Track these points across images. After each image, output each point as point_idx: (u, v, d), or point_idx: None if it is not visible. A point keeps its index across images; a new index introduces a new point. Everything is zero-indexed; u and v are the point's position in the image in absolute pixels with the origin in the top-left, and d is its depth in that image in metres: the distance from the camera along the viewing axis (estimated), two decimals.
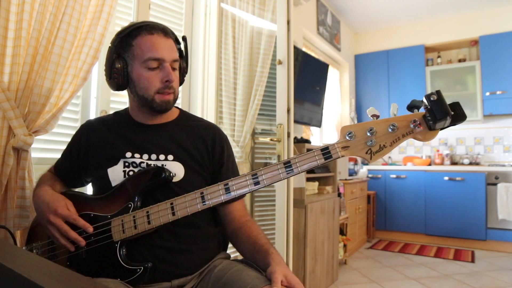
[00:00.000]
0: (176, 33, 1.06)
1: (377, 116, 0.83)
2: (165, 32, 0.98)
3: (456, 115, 0.76)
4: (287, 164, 0.84)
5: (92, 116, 1.62)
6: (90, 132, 1.07)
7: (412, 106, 0.80)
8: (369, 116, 0.83)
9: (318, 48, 4.07)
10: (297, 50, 2.88)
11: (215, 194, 0.87)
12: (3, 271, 0.45)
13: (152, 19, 1.87)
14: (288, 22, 1.91)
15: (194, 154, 1.03)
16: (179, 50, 1.06)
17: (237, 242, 1.02)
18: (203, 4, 2.20)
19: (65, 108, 1.27)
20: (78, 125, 1.55)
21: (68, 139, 1.11)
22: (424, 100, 0.77)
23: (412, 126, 0.80)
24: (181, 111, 1.14)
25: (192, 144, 1.04)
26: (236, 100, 2.25)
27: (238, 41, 2.26)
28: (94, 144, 1.04)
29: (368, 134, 0.82)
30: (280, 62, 1.91)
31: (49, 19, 1.16)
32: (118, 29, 1.75)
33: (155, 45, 0.95)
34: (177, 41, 1.05)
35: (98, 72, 1.67)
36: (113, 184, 0.98)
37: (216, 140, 1.07)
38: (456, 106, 0.76)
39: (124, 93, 1.80)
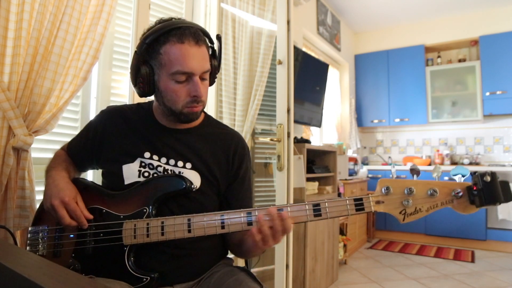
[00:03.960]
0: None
1: (418, 173, 0.80)
2: (197, 39, 0.90)
3: (506, 198, 0.73)
4: (316, 207, 0.82)
5: (93, 116, 1.61)
6: (110, 120, 1.03)
7: (457, 173, 0.77)
8: (409, 171, 0.81)
9: (318, 48, 4.07)
10: (297, 50, 2.88)
11: (235, 221, 0.84)
12: (3, 271, 0.45)
13: (152, 19, 1.86)
14: (288, 22, 1.91)
15: (212, 166, 1.00)
16: (212, 49, 1.00)
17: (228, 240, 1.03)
18: (203, 4, 2.20)
19: (65, 108, 1.27)
20: (78, 125, 1.55)
21: (69, 139, 1.11)
22: (476, 177, 0.74)
23: (453, 195, 0.76)
24: (206, 116, 1.09)
25: (212, 155, 1.01)
26: (236, 100, 2.25)
27: (238, 41, 2.26)
28: (111, 134, 1.00)
29: (406, 193, 0.78)
30: (280, 62, 1.91)
31: (49, 19, 1.16)
32: (118, 29, 1.76)
33: (185, 57, 0.88)
34: (211, 41, 0.99)
35: (98, 72, 1.67)
36: (126, 182, 0.95)
37: (237, 151, 1.04)
38: (505, 186, 0.73)
39: (125, 93, 1.81)
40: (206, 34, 0.95)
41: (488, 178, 0.72)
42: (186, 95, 0.91)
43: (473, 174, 0.76)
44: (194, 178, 0.97)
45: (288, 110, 1.90)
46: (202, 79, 0.93)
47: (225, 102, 2.20)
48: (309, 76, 3.15)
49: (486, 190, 0.72)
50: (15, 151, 1.13)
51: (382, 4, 4.13)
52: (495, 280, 2.84)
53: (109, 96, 1.69)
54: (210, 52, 0.99)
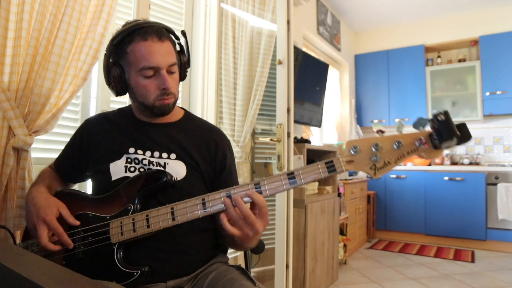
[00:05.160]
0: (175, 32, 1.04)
1: (382, 132, 0.83)
2: (160, 35, 0.95)
3: (462, 136, 0.76)
4: (291, 175, 0.84)
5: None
6: (93, 127, 1.07)
7: (418, 124, 0.80)
8: (375, 131, 0.84)
9: (318, 48, 4.07)
10: (297, 50, 2.88)
11: (216, 202, 0.85)
12: (3, 271, 0.45)
13: (152, 19, 1.86)
14: (288, 22, 1.91)
15: (195, 156, 1.02)
16: (179, 45, 1.05)
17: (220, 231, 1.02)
18: (203, 4, 2.20)
19: (65, 108, 1.27)
20: (78, 125, 1.54)
21: (68, 139, 1.11)
22: (431, 120, 0.77)
23: (417, 144, 0.79)
24: (186, 113, 1.13)
25: (195, 147, 1.03)
26: (236, 100, 2.25)
27: (238, 41, 2.26)
28: (97, 139, 1.04)
29: (373, 149, 0.81)
30: (280, 62, 1.91)
31: (49, 19, 1.16)
32: (119, 29, 1.76)
33: (149, 52, 0.93)
34: (176, 37, 1.04)
35: (98, 72, 1.67)
36: (113, 178, 0.97)
37: (219, 144, 1.07)
38: (462, 127, 0.76)
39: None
40: (170, 31, 1.01)
41: (442, 117, 0.75)
42: (156, 88, 0.96)
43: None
44: (180, 168, 0.99)
45: (288, 110, 1.90)
46: (170, 72, 0.97)
47: (225, 102, 2.20)
48: (309, 76, 3.16)
49: (442, 128, 0.75)
50: (15, 151, 1.13)
51: (382, 4, 4.13)
52: (495, 280, 2.84)
53: (109, 96, 1.69)
54: (178, 48, 1.04)
